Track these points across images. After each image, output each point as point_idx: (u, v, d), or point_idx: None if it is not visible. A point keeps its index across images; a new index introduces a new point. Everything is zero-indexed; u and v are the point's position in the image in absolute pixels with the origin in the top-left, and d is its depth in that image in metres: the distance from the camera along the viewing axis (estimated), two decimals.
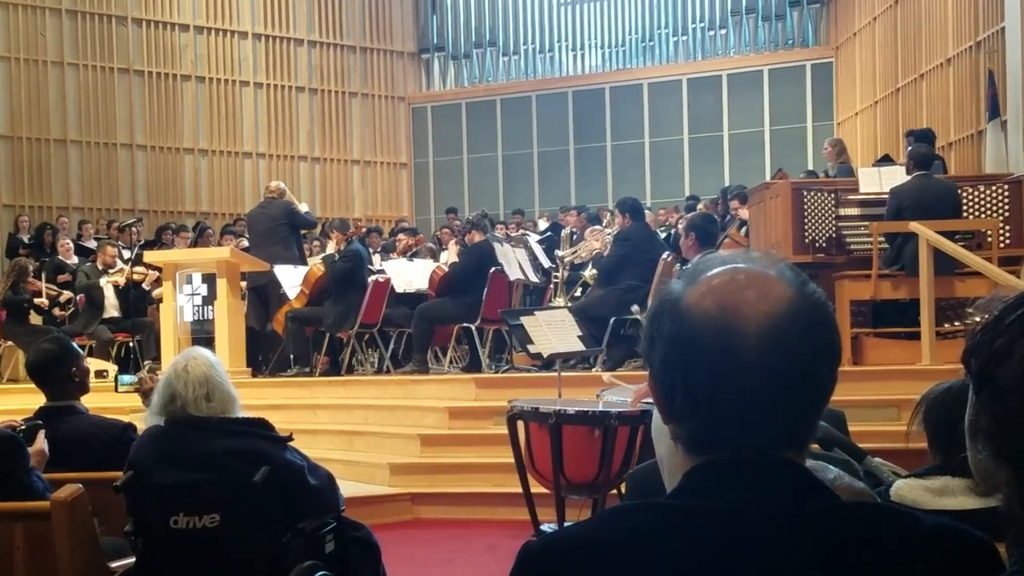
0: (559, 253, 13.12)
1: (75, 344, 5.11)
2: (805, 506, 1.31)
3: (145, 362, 11.78)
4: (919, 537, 1.29)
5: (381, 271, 11.98)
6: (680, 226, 10.56)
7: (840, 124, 18.60)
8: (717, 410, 1.32)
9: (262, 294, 11.83)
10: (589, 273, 11.79)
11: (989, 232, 8.85)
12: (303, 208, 12.69)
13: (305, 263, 12.12)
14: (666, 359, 1.36)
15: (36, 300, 12.42)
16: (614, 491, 6.36)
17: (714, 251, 6.98)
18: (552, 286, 12.62)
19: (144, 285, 12.55)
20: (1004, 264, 8.45)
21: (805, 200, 9.08)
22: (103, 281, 12.37)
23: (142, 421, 4.78)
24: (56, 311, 12.64)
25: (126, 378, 5.15)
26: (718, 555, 1.27)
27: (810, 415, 1.36)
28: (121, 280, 12.29)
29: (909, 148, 9.81)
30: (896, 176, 9.41)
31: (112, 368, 10.89)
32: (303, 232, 14.21)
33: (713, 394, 1.32)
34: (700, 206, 14.58)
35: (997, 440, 1.24)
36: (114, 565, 3.89)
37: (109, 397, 5.12)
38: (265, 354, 12.16)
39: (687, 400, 1.34)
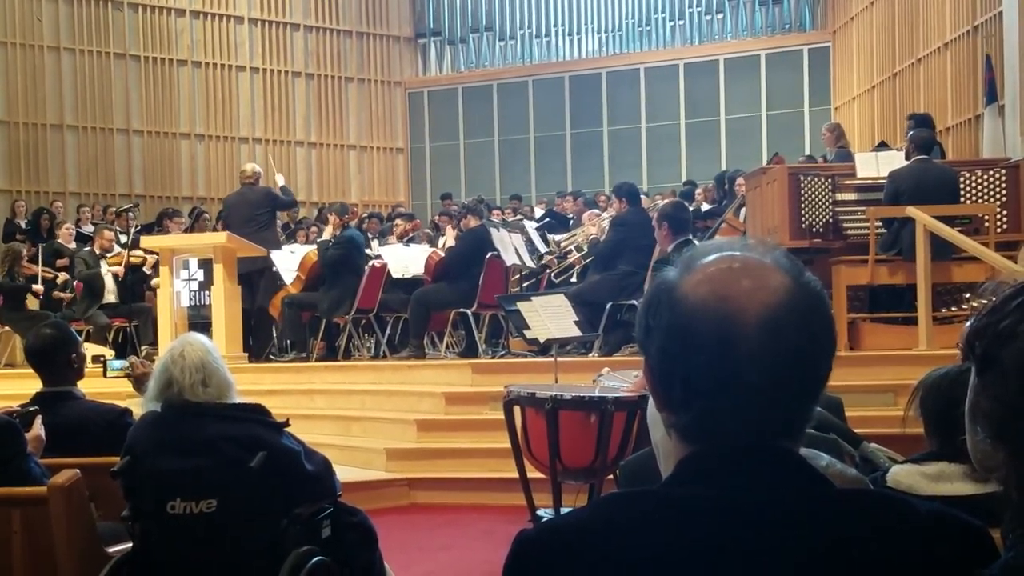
0: (556, 238, 13.11)
1: (73, 329, 5.11)
2: (800, 494, 1.31)
3: (142, 348, 11.79)
4: (914, 525, 1.29)
5: (378, 256, 11.97)
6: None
7: (837, 109, 18.58)
8: (715, 401, 1.32)
9: (248, 280, 11.71)
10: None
11: (986, 217, 8.84)
12: (279, 180, 12.73)
13: (279, 247, 12.13)
14: (664, 349, 1.35)
15: (33, 287, 12.40)
16: (611, 476, 6.37)
17: (690, 238, 6.96)
18: (547, 272, 12.61)
19: (145, 269, 12.53)
20: (1001, 249, 8.44)
21: (802, 185, 9.07)
22: (104, 269, 12.32)
23: (138, 406, 4.78)
24: (55, 293, 12.62)
25: (116, 363, 5.09)
26: (712, 544, 1.28)
27: (807, 404, 1.36)
28: (120, 270, 12.26)
29: (910, 132, 9.79)
30: (893, 161, 9.40)
31: (110, 353, 10.88)
32: (299, 217, 14.22)
33: (712, 385, 1.31)
34: (698, 192, 14.60)
35: (997, 421, 1.24)
36: (111, 550, 3.90)
37: (98, 382, 5.06)
38: (258, 340, 12.15)
39: (685, 390, 1.34)
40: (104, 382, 5.15)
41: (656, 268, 7.24)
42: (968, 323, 1.32)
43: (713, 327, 1.30)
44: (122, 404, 4.89)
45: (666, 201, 9.95)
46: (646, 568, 1.28)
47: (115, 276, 12.31)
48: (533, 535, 1.37)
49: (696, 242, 7.46)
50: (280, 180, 12.78)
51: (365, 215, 15.91)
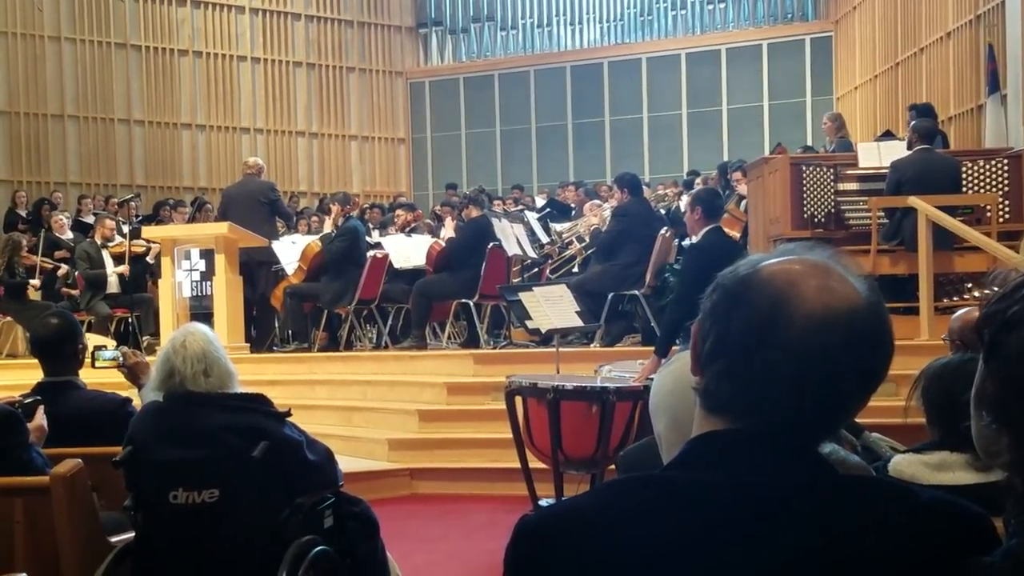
0: (557, 228, 13.11)
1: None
2: (802, 481, 1.31)
3: (144, 338, 11.79)
4: (916, 512, 1.29)
5: (379, 246, 11.96)
6: (683, 200, 10.51)
7: (839, 98, 18.55)
8: (735, 365, 1.35)
9: (249, 270, 11.69)
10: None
11: (988, 207, 8.83)
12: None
13: (278, 239, 12.13)
14: (716, 305, 1.39)
15: (31, 282, 12.35)
16: (612, 466, 6.37)
17: (719, 226, 6.99)
18: (548, 262, 12.60)
19: (148, 259, 12.52)
20: (1003, 239, 8.42)
21: (804, 175, 9.06)
22: (109, 271, 12.23)
23: (137, 397, 4.77)
24: (63, 290, 12.56)
25: (107, 353, 4.97)
26: (713, 529, 1.28)
27: (824, 415, 1.36)
28: (125, 270, 12.18)
29: (912, 122, 9.78)
30: (895, 150, 9.39)
31: (111, 344, 10.88)
32: (300, 207, 14.29)
33: (738, 349, 1.34)
34: (698, 181, 14.57)
35: (1003, 407, 1.25)
36: (114, 540, 3.90)
37: (85, 372, 4.92)
38: (260, 330, 12.16)
39: (714, 346, 1.37)
40: (92, 372, 5.00)
41: (691, 251, 7.25)
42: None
43: (766, 302, 1.33)
44: (123, 394, 4.88)
45: (700, 187, 9.94)
46: (647, 553, 1.29)
47: (116, 259, 12.24)
48: (534, 520, 1.38)
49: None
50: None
51: (367, 205, 15.91)
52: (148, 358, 5.00)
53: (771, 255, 1.41)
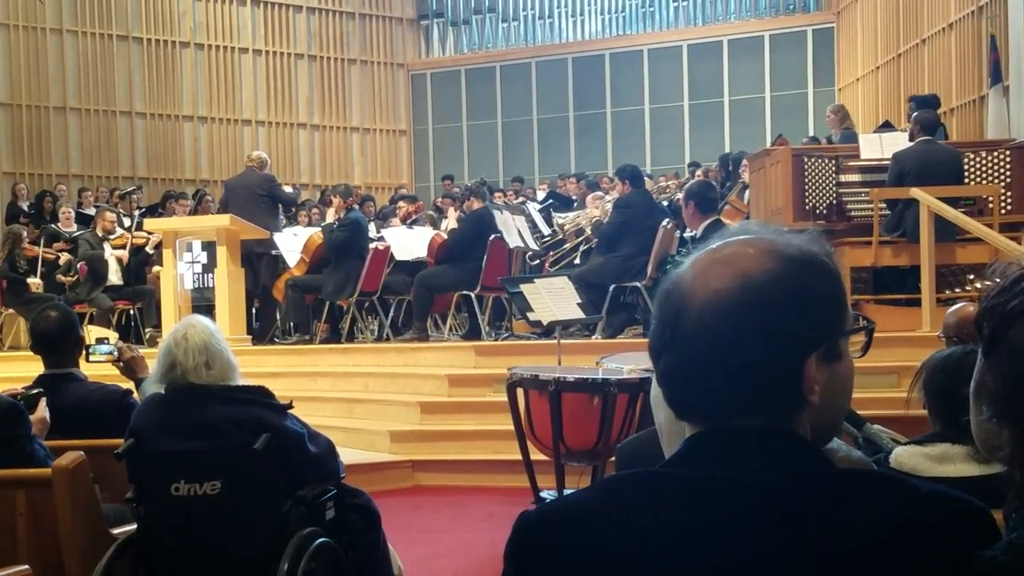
0: (559, 219, 13.09)
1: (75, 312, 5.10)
2: (799, 473, 1.31)
3: (146, 330, 11.79)
4: (915, 505, 1.29)
5: (380, 238, 11.96)
6: (678, 195, 10.50)
7: (841, 90, 18.53)
8: (663, 373, 1.37)
9: (250, 261, 11.69)
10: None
11: (990, 198, 8.83)
12: (287, 189, 12.93)
13: (279, 230, 12.10)
14: (654, 322, 1.41)
15: (28, 280, 12.30)
16: (613, 458, 6.37)
17: (716, 217, 6.98)
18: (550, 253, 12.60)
19: (148, 249, 12.51)
20: (1005, 230, 8.42)
21: (806, 166, 9.06)
22: (108, 253, 12.26)
23: (136, 391, 4.77)
24: (58, 277, 12.55)
25: (103, 347, 4.92)
26: (712, 524, 1.28)
27: (748, 397, 1.33)
28: (124, 255, 12.21)
29: (914, 113, 9.76)
30: (897, 142, 9.38)
31: (113, 336, 10.87)
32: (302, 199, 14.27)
33: (659, 357, 1.37)
34: (698, 172, 14.57)
35: (1003, 400, 1.25)
36: (116, 531, 3.91)
37: (81, 365, 4.86)
38: (263, 322, 12.16)
39: (652, 358, 1.39)
40: (88, 365, 4.95)
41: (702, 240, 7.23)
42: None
43: (670, 311, 1.36)
44: (124, 386, 4.88)
45: (693, 181, 9.93)
46: (647, 548, 1.29)
47: (119, 260, 12.28)
48: (535, 516, 1.38)
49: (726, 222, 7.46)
50: (288, 189, 13.00)
51: (361, 199, 15.89)
52: (144, 350, 5.01)
53: (696, 252, 1.40)
